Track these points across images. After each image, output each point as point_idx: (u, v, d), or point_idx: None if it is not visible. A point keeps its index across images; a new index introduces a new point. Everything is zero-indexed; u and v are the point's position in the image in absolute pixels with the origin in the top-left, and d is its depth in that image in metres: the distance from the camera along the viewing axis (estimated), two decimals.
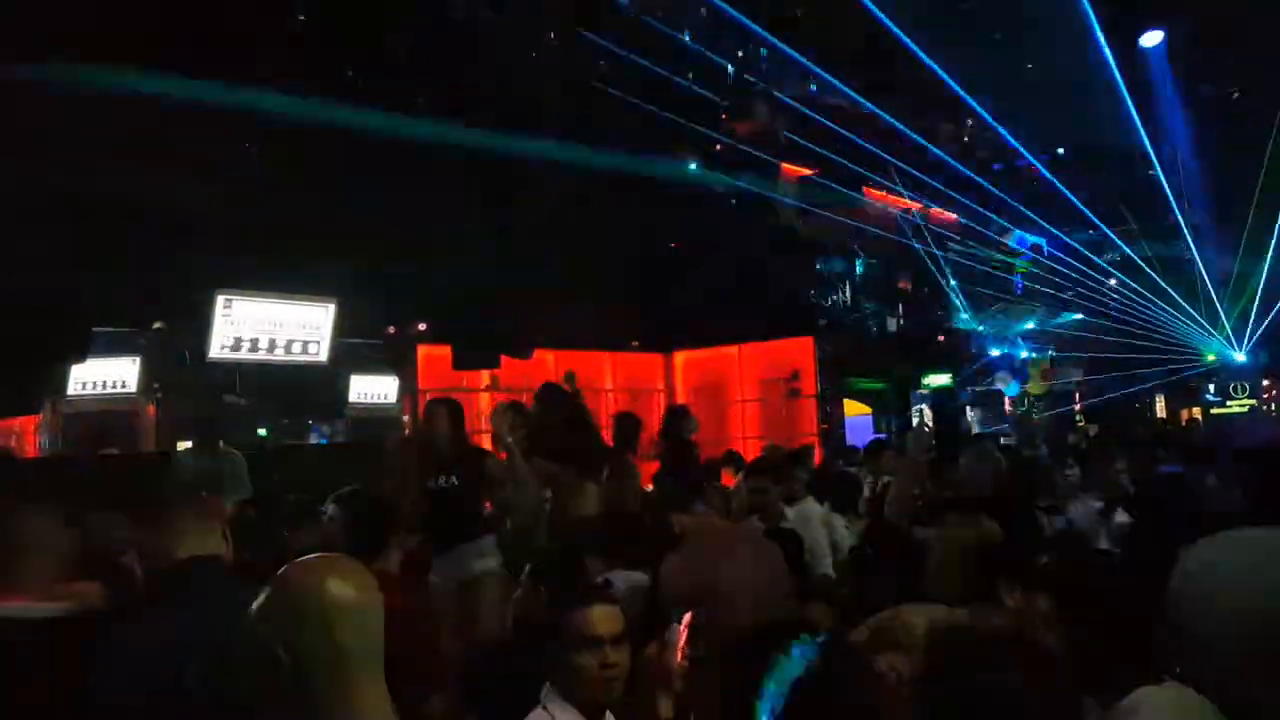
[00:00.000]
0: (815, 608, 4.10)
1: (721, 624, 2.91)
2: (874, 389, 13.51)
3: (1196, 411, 19.17)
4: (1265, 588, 2.11)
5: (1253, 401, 18.10)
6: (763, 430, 11.25)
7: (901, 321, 13.65)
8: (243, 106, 7.22)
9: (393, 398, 12.58)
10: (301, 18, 6.68)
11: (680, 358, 12.27)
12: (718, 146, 10.00)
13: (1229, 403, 18.95)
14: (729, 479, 7.34)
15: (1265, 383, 18.69)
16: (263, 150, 7.94)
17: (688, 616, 2.45)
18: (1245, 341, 18.15)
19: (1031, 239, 18.97)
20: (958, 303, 15.67)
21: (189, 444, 7.80)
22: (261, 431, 12.02)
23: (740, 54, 9.59)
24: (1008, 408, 16.95)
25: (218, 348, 8.87)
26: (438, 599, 4.56)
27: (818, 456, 9.21)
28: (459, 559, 4.71)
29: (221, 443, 7.14)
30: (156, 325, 9.22)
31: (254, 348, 9.23)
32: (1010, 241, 18.22)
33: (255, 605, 1.54)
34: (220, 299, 8.78)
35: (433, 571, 4.76)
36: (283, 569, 1.60)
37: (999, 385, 16.35)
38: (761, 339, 11.59)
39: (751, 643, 1.67)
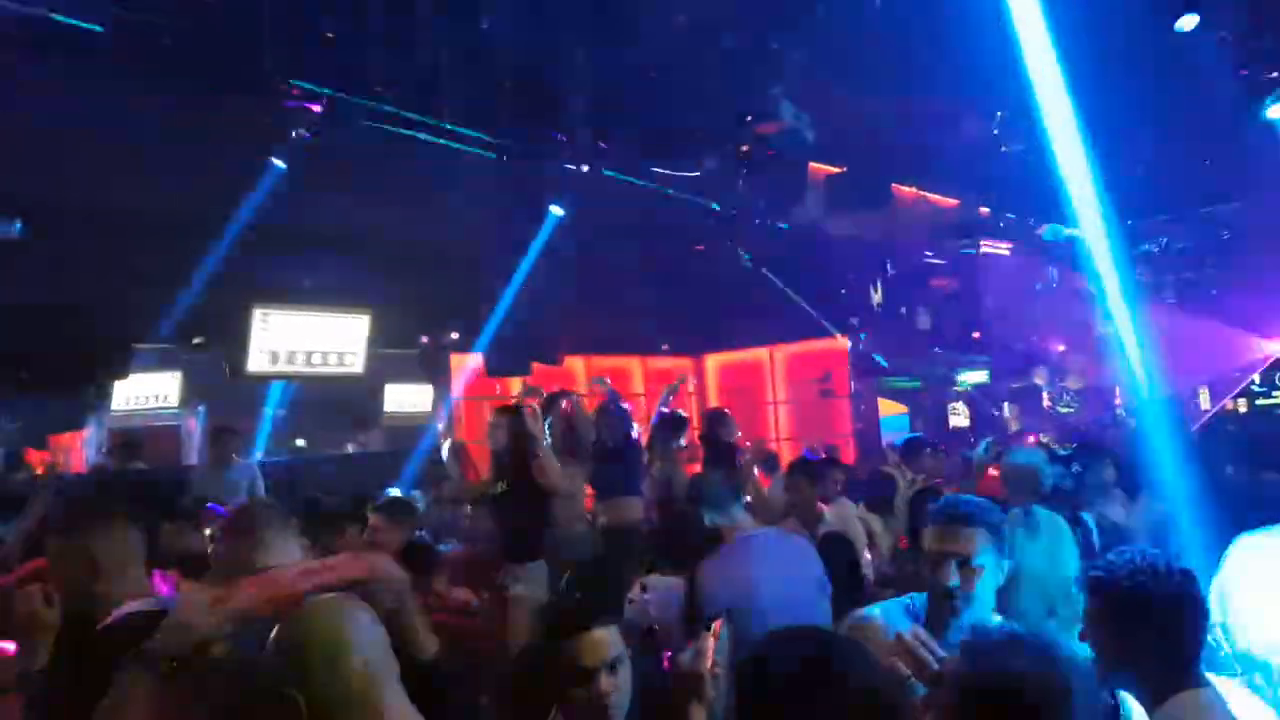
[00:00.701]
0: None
1: (757, 628, 2.94)
2: (909, 388, 13.39)
3: (1242, 403, 18.75)
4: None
5: None
6: (796, 432, 11.19)
7: (935, 319, 13.51)
8: (276, 116, 7.32)
9: (428, 407, 12.71)
10: (330, 35, 6.75)
11: (711, 361, 12.25)
12: (744, 147, 9.96)
13: (1274, 393, 18.52)
14: (763, 479, 7.35)
15: None
16: (295, 161, 8.03)
17: (717, 623, 2.43)
18: None
19: (1066, 231, 18.66)
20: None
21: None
22: (300, 442, 12.24)
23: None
24: (1046, 404, 16.68)
25: (255, 362, 9.00)
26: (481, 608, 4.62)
27: (847, 456, 9.17)
28: (504, 575, 4.75)
29: (236, 454, 7.29)
30: (196, 341, 9.38)
31: (291, 360, 9.35)
32: (1045, 235, 17.94)
33: (269, 649, 1.64)
34: (258, 312, 8.91)
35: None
36: (291, 615, 1.68)
37: (1036, 381, 16.10)
38: (793, 340, 11.54)
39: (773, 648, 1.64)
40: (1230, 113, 10.36)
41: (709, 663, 2.21)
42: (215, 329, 9.16)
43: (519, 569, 4.74)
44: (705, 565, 3.34)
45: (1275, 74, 9.14)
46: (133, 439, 8.96)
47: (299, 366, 9.44)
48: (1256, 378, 19.06)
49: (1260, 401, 18.65)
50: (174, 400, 11.24)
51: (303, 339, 9.41)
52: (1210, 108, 11.83)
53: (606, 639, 2.28)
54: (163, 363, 10.91)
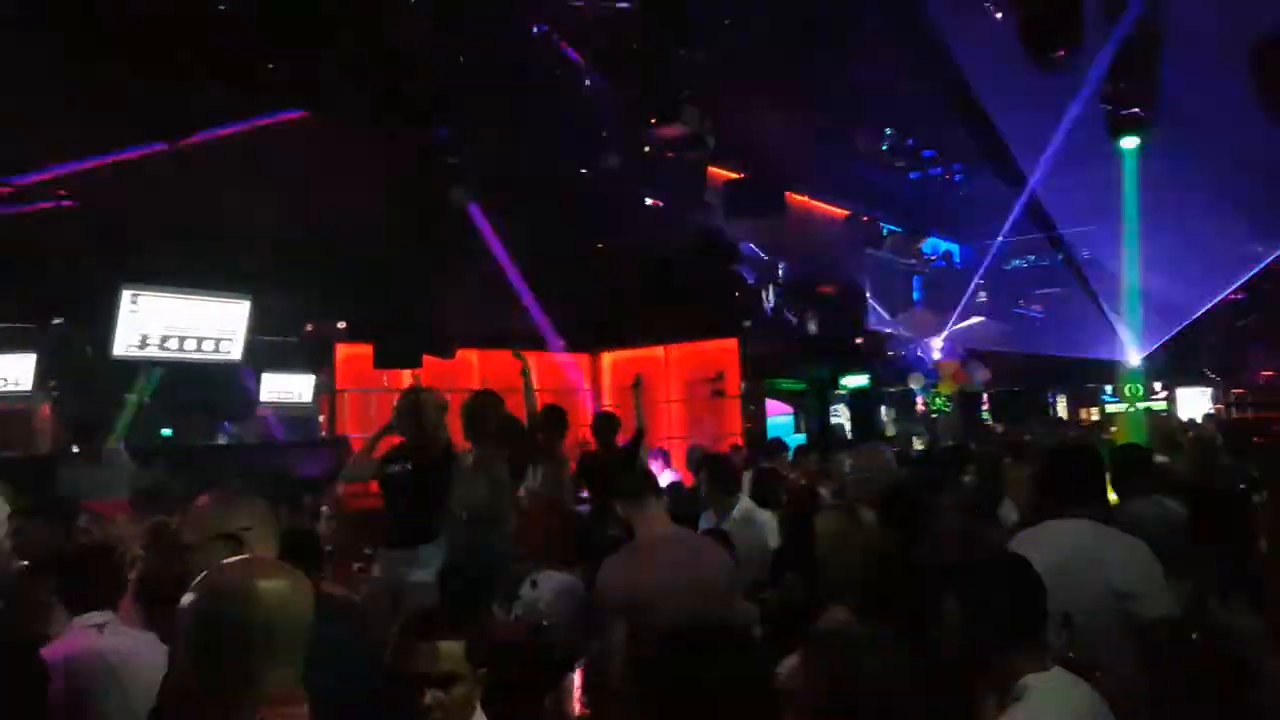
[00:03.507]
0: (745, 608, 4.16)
1: (655, 628, 2.96)
2: (795, 389, 13.76)
3: (1095, 412, 20.08)
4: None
5: (1147, 405, 19.04)
6: (688, 430, 11.33)
7: (821, 324, 13.93)
8: (154, 95, 6.91)
9: (308, 397, 12.23)
10: (222, 7, 6.42)
11: (607, 358, 12.27)
12: (645, 148, 10.03)
13: (1120, 403, 19.98)
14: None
15: (1157, 385, 19.69)
16: (172, 139, 7.61)
17: (583, 662, 2.42)
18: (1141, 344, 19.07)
19: (944, 245, 19.60)
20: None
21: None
22: (165, 432, 11.56)
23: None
24: (920, 408, 17.47)
25: (123, 345, 8.49)
26: (373, 602, 4.46)
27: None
28: (398, 564, 4.60)
29: (109, 444, 6.85)
30: (56, 321, 8.78)
31: (162, 345, 8.87)
32: (925, 248, 18.79)
33: (196, 595, 1.56)
34: (126, 294, 8.40)
35: (376, 570, 4.67)
36: (220, 566, 1.65)
37: (911, 385, 16.84)
38: (687, 339, 11.67)
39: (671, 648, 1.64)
40: (1091, 145, 11.16)
41: (576, 705, 2.20)
42: (78, 309, 8.59)
43: (415, 553, 4.59)
44: (608, 562, 3.34)
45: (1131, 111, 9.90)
46: None
47: (171, 352, 8.96)
48: (1108, 388, 20.47)
49: (1110, 409, 20.04)
50: (27, 384, 10.46)
51: (176, 323, 8.93)
52: (1076, 140, 12.69)
53: (445, 652, 2.17)
54: (16, 344, 10.14)
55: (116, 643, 2.62)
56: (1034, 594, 2.13)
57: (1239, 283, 17.03)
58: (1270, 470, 5.68)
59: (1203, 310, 17.28)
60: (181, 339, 9.03)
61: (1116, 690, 2.27)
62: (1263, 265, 16.70)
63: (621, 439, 6.52)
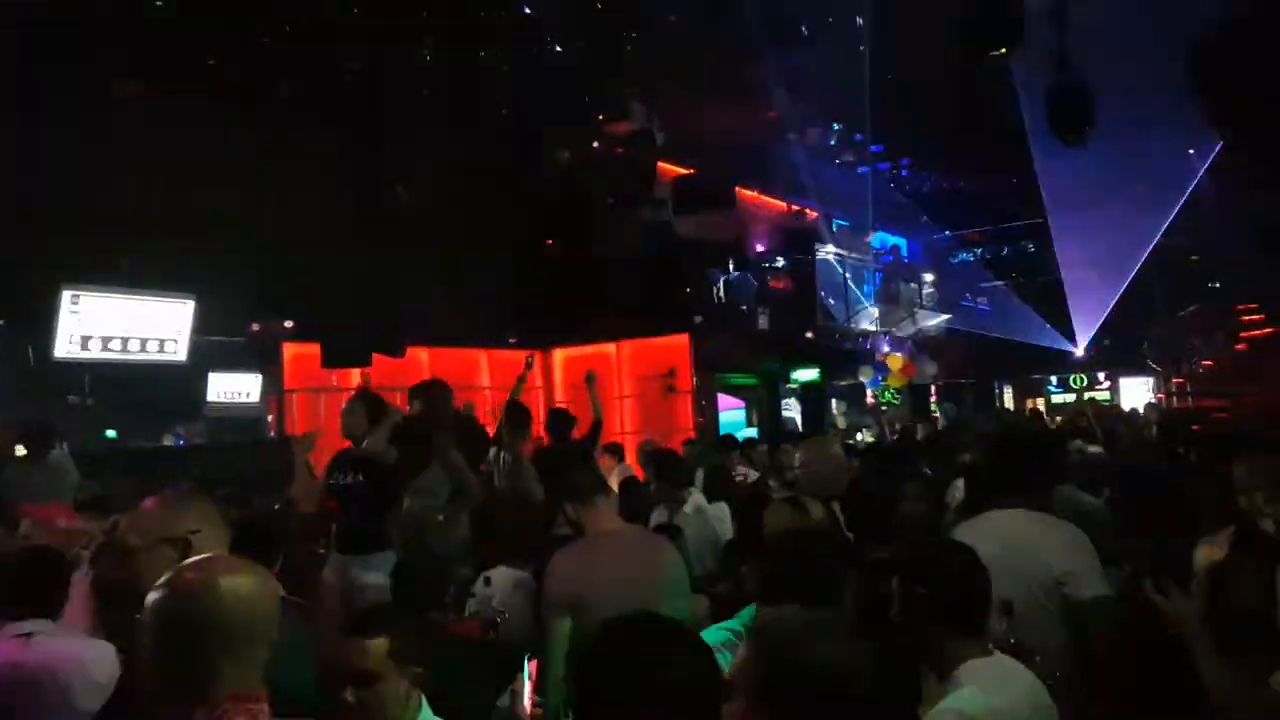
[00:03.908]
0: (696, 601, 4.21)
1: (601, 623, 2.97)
2: (746, 384, 13.87)
3: (1040, 402, 20.55)
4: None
5: (1092, 394, 19.55)
6: (640, 426, 11.36)
7: (771, 318, 14.05)
8: (94, 88, 6.75)
9: (255, 397, 12.03)
10: (159, 3, 6.30)
11: (559, 355, 12.25)
12: (594, 144, 10.03)
13: (1065, 393, 20.52)
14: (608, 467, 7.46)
15: (1101, 375, 20.24)
16: (115, 134, 7.44)
17: (534, 663, 2.44)
18: (1085, 336, 19.56)
19: (892, 240, 19.87)
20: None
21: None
22: (110, 433, 11.28)
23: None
24: (869, 400, 17.69)
25: (64, 347, 8.31)
26: (325, 601, 4.44)
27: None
28: (350, 567, 4.58)
29: (57, 448, 6.69)
30: None
31: (105, 346, 8.70)
32: (873, 242, 19.03)
33: (161, 594, 1.56)
34: (67, 294, 8.23)
35: (326, 569, 4.63)
36: (185, 564, 1.65)
37: (861, 379, 17.05)
38: (639, 336, 11.70)
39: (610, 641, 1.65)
40: (1042, 139, 11.40)
41: (527, 705, 2.21)
42: (18, 310, 8.39)
43: (366, 560, 4.56)
44: (556, 557, 3.35)
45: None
46: None
47: (115, 353, 8.80)
48: (1053, 379, 21.00)
49: (1055, 399, 20.56)
50: None
51: (119, 324, 8.78)
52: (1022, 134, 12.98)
53: (366, 650, 2.16)
54: None
55: (42, 653, 2.54)
56: (977, 581, 2.20)
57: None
58: (1210, 457, 5.85)
59: (1119, 294, 17.77)
60: (125, 340, 8.88)
61: (1054, 674, 2.35)
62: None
63: (577, 434, 6.55)
